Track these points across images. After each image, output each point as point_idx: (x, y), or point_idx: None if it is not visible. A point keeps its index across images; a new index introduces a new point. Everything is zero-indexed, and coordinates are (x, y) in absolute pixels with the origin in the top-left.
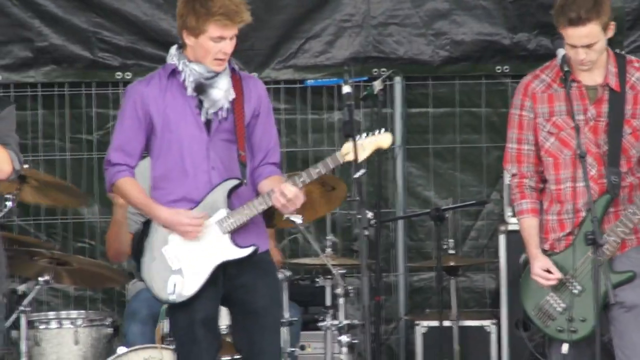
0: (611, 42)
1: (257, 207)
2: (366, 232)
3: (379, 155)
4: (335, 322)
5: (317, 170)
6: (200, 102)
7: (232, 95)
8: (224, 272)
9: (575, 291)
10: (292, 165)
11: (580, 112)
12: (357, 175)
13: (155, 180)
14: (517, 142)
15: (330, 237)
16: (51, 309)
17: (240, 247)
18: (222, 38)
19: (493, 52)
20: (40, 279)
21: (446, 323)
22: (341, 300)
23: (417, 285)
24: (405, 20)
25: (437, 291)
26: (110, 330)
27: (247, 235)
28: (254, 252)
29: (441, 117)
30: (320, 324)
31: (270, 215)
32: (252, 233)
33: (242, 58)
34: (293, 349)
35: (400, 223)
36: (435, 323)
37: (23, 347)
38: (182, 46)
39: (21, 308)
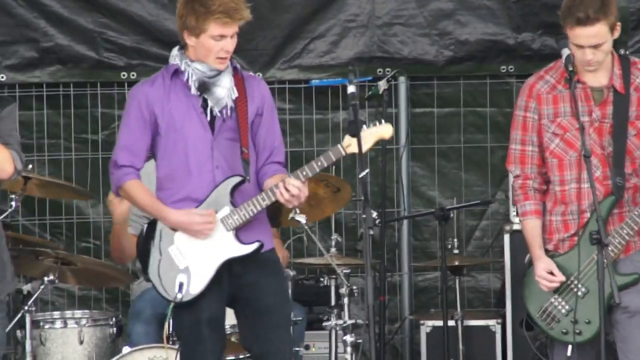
0: (615, 42)
1: (260, 203)
2: (371, 232)
3: (384, 155)
4: (340, 321)
5: (319, 163)
6: (205, 101)
7: (235, 93)
8: (229, 271)
9: (580, 293)
10: (297, 165)
11: (585, 114)
12: (361, 175)
13: (159, 181)
14: (520, 143)
15: (334, 237)
16: (56, 309)
17: (245, 243)
18: (222, 36)
19: (497, 52)
20: (45, 278)
21: (451, 323)
22: (345, 300)
23: (422, 285)
24: (410, 21)
25: (441, 291)
26: (114, 330)
27: (251, 232)
28: (259, 248)
29: (446, 117)
30: (324, 323)
31: (276, 214)
32: (256, 230)
33: (247, 58)
34: (297, 349)
35: (405, 223)
36: (439, 323)
37: (28, 346)
38: (183, 47)
39: (26, 308)
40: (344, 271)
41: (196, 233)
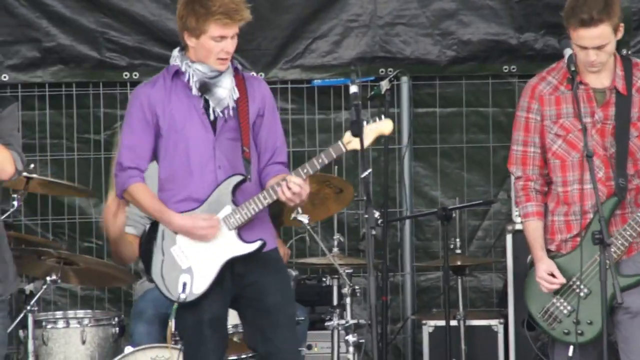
0: (618, 42)
1: (262, 201)
2: (373, 232)
3: (386, 155)
4: (342, 321)
5: (320, 160)
6: (206, 102)
7: (236, 94)
8: (231, 271)
9: (582, 294)
10: (299, 165)
11: (587, 115)
12: (363, 175)
13: (161, 182)
14: (522, 144)
15: (337, 237)
16: (58, 309)
17: (247, 242)
18: (223, 37)
19: (500, 52)
20: (47, 278)
21: (453, 323)
22: (348, 300)
23: (424, 284)
24: (412, 20)
25: (444, 291)
26: (117, 330)
27: (253, 230)
28: (262, 247)
29: (448, 117)
30: (327, 323)
31: (278, 215)
32: (259, 229)
33: (249, 58)
34: (300, 349)
35: (407, 223)
36: (442, 323)
37: (30, 346)
38: (184, 48)
39: (28, 307)
40: (347, 271)
41: (200, 237)
